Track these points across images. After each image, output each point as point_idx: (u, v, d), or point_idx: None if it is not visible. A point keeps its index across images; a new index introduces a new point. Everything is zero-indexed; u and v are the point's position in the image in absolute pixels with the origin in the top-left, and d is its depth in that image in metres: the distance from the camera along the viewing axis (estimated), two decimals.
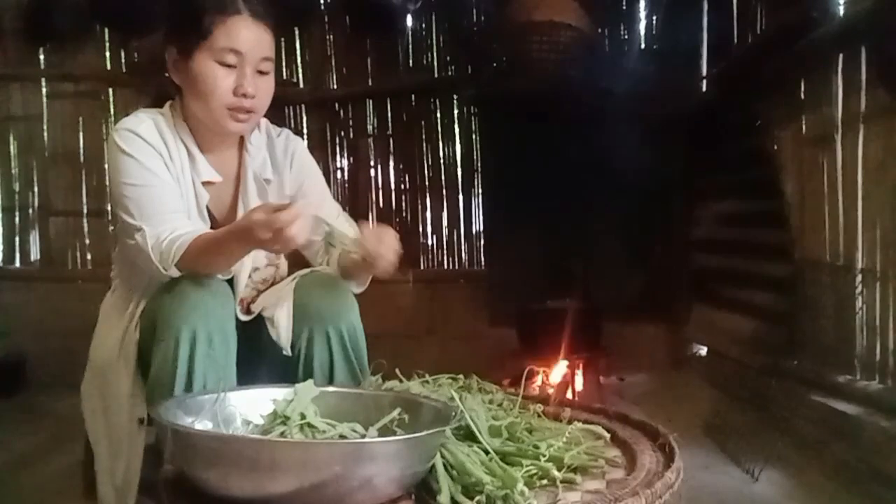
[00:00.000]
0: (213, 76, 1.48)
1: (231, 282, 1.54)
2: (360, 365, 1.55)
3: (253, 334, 1.56)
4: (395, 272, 1.48)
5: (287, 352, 1.53)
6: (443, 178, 3.93)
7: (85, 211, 3.97)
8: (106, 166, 1.37)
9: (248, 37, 1.48)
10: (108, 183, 1.49)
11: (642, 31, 3.60)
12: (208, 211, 1.58)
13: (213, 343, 1.36)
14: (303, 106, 3.93)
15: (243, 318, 1.56)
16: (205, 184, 1.56)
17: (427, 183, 3.95)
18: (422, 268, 3.93)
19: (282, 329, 1.53)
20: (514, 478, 1.01)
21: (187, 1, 1.52)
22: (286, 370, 1.55)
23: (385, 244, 1.45)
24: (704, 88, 3.45)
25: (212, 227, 1.55)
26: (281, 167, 1.66)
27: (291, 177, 1.68)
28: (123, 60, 3.95)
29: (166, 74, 1.58)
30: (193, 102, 1.52)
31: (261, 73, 1.51)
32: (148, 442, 1.42)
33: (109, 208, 3.97)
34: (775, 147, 2.78)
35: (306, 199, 1.66)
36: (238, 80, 1.48)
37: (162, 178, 1.48)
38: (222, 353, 1.38)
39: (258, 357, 1.59)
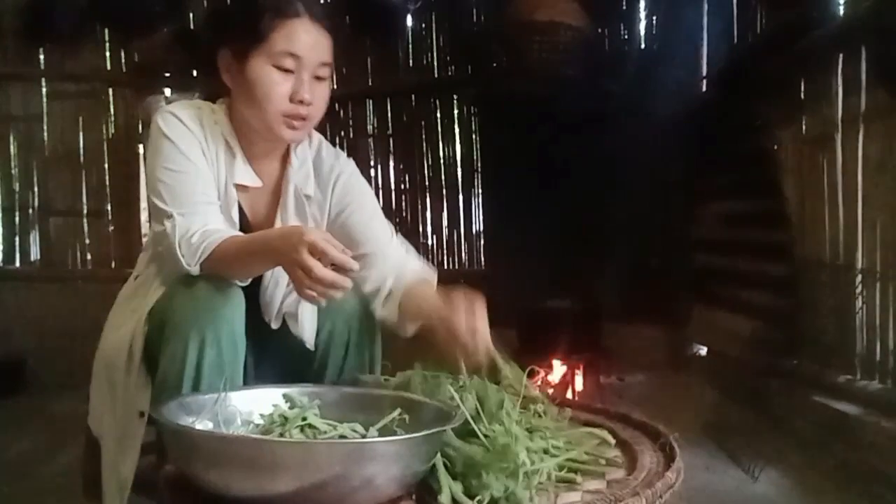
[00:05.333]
0: (270, 81, 1.42)
1: (251, 290, 1.52)
2: (373, 362, 1.55)
3: (263, 330, 1.56)
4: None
5: (311, 346, 1.52)
6: (443, 178, 3.93)
7: (85, 211, 3.97)
8: (145, 153, 1.35)
9: (307, 41, 1.43)
10: (143, 168, 1.46)
11: (642, 31, 3.60)
12: (243, 216, 1.54)
13: (223, 348, 1.34)
14: None
15: (275, 325, 1.56)
16: (239, 188, 1.52)
17: (427, 183, 3.95)
18: None
19: (306, 324, 1.52)
20: (513, 451, 1.02)
21: (244, 2, 1.48)
22: (295, 365, 1.55)
23: (472, 327, 1.30)
24: (704, 88, 3.46)
25: (244, 232, 1.52)
26: (325, 186, 1.60)
27: (334, 198, 1.61)
28: (123, 60, 3.95)
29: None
30: (246, 107, 1.47)
31: (318, 78, 1.46)
32: (149, 439, 1.41)
33: (109, 208, 3.97)
34: (775, 147, 2.78)
35: (349, 222, 1.61)
36: (295, 87, 1.43)
37: (198, 165, 1.44)
38: (231, 359, 1.37)
39: (266, 352, 1.59)
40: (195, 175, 1.43)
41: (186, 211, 1.39)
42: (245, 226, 1.54)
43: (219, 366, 1.34)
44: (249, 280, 1.45)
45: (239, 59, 1.44)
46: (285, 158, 1.58)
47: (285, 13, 1.42)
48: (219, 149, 1.49)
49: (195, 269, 1.37)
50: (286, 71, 1.42)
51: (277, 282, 1.54)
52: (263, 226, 1.56)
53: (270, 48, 1.41)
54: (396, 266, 1.56)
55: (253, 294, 1.53)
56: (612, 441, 1.26)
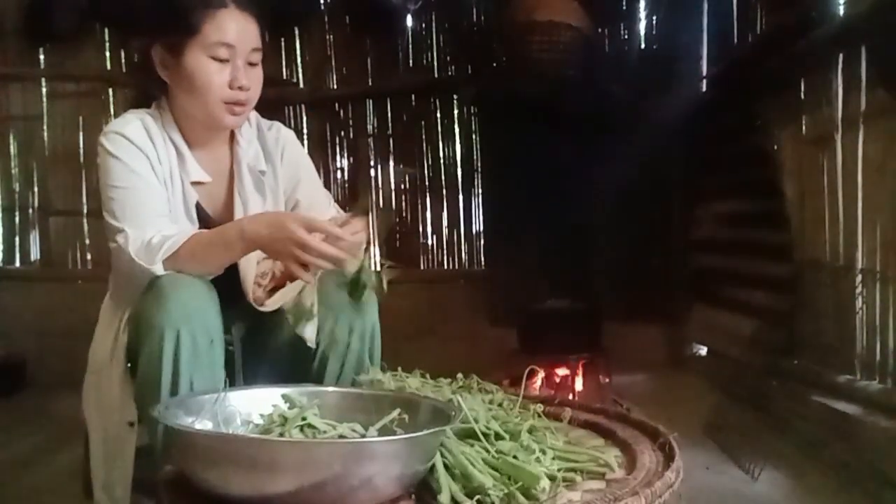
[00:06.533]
0: (208, 72, 1.48)
1: (233, 277, 1.53)
2: (374, 361, 1.55)
3: (262, 329, 1.56)
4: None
5: (312, 344, 1.53)
6: (443, 178, 3.93)
7: (85, 211, 3.96)
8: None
9: (236, 29, 1.48)
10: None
11: (642, 31, 3.60)
12: (201, 209, 1.57)
13: (198, 344, 1.36)
14: (303, 106, 3.92)
15: (264, 310, 1.56)
16: (196, 183, 1.56)
17: (427, 183, 3.95)
18: (422, 268, 3.93)
19: (307, 323, 1.52)
20: (534, 475, 1.01)
21: None
22: (294, 365, 1.55)
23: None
24: (704, 88, 3.46)
25: (205, 225, 1.54)
26: (273, 159, 1.66)
27: (283, 169, 1.67)
28: (123, 60, 3.94)
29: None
30: (187, 100, 1.51)
31: (251, 64, 1.52)
32: (140, 443, 1.42)
33: None
34: (775, 147, 2.78)
35: (298, 195, 1.67)
36: (232, 74, 1.49)
37: (147, 180, 1.48)
38: (207, 353, 1.38)
39: (266, 352, 1.59)
40: (145, 190, 1.47)
41: (138, 223, 1.42)
42: (205, 218, 1.57)
43: (196, 360, 1.35)
44: (222, 271, 1.46)
45: (174, 54, 1.49)
46: (231, 143, 1.62)
47: (213, 4, 1.47)
48: (170, 154, 1.52)
49: (159, 268, 1.38)
50: (221, 60, 1.48)
51: (248, 257, 1.55)
52: (223, 213, 1.59)
53: (203, 40, 1.47)
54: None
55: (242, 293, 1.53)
56: (615, 459, 1.19)
